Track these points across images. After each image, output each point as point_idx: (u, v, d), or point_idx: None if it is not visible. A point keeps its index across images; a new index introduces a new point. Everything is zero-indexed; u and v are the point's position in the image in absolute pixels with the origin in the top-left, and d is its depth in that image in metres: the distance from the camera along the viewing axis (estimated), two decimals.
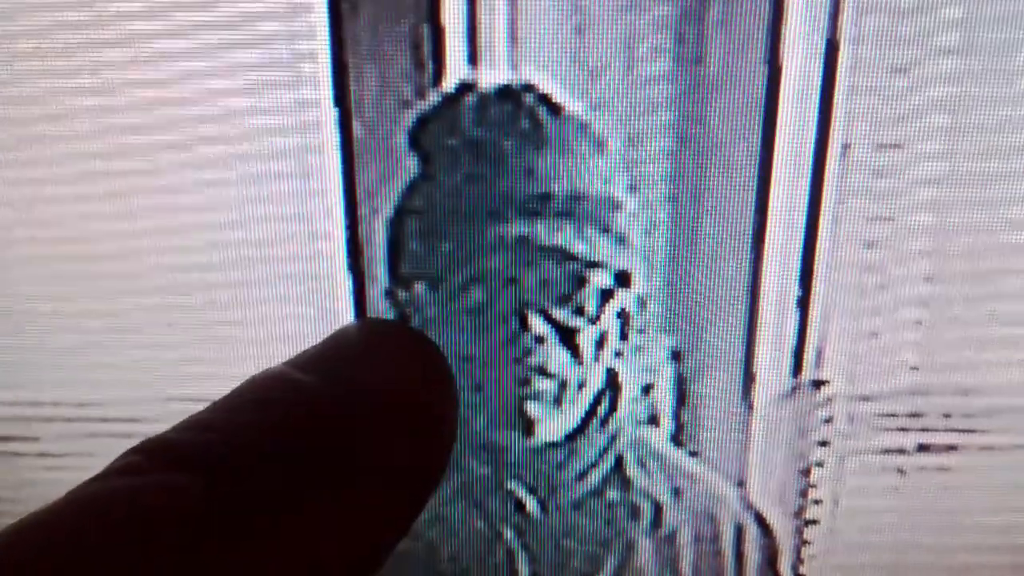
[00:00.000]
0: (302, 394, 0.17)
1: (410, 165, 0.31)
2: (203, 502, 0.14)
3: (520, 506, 0.35)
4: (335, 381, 0.17)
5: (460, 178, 0.31)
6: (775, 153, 0.32)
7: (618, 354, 0.33)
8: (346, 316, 0.33)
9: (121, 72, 0.32)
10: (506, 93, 0.31)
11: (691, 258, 0.33)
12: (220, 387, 0.17)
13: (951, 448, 0.35)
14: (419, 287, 0.32)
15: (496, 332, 0.32)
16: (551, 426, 0.34)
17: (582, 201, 0.31)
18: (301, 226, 0.33)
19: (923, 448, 0.35)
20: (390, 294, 0.32)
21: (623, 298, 0.33)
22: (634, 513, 0.36)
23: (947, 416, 0.35)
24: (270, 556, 0.14)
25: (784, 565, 0.37)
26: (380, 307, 0.33)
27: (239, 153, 0.33)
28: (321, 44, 0.31)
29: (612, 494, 0.35)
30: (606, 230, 0.32)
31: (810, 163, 0.32)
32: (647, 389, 0.34)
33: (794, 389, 0.34)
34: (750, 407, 0.34)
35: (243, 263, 0.34)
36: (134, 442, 0.16)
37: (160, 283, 0.34)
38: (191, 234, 0.34)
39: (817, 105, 0.31)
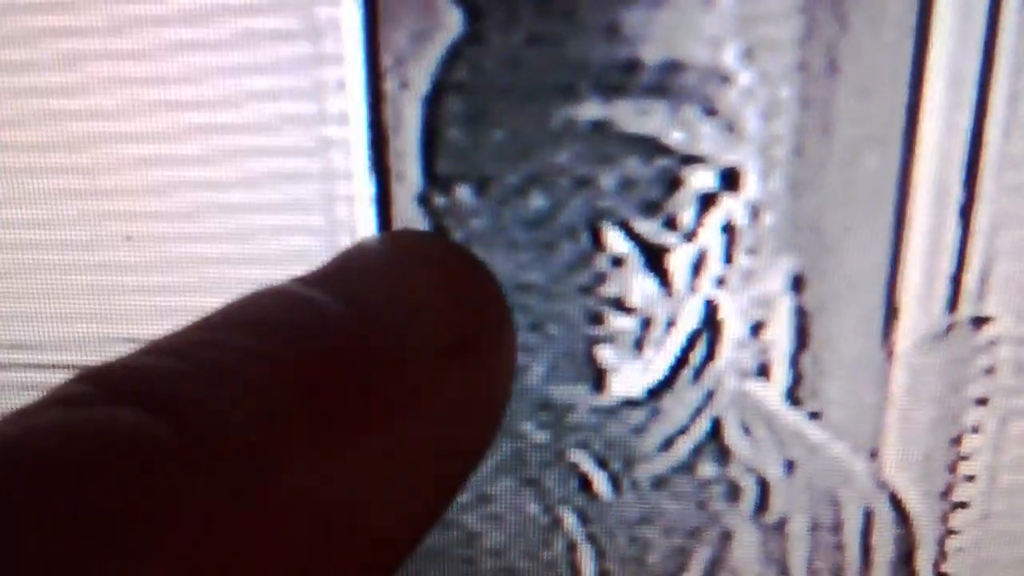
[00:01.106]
0: (316, 314, 0.14)
1: (453, 22, 0.26)
2: (168, 454, 0.11)
3: (586, 484, 0.30)
4: (353, 298, 0.14)
5: (519, 40, 0.26)
6: (936, 2, 0.24)
7: (720, 282, 0.28)
8: (367, 228, 0.27)
9: None
10: None
11: (823, 150, 0.26)
12: None
13: None
14: (462, 190, 0.27)
15: (561, 251, 0.27)
16: (629, 378, 0.28)
17: (680, 72, 0.26)
18: (305, 106, 0.26)
19: None
20: (424, 199, 0.27)
21: (730, 206, 0.27)
22: (734, 493, 0.30)
23: None
24: (260, 536, 0.11)
25: (923, 561, 0.29)
26: (411, 216, 0.27)
27: (226, 4, 0.25)
28: None
29: (706, 468, 0.29)
30: (711, 112, 0.26)
31: (984, 15, 0.25)
32: (757, 328, 0.28)
33: (948, 328, 0.28)
34: (890, 352, 0.28)
35: (227, 155, 0.27)
36: None
37: (115, 182, 0.27)
38: (157, 116, 0.26)
39: None
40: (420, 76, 0.26)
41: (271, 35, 0.26)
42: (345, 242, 0.27)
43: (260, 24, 0.26)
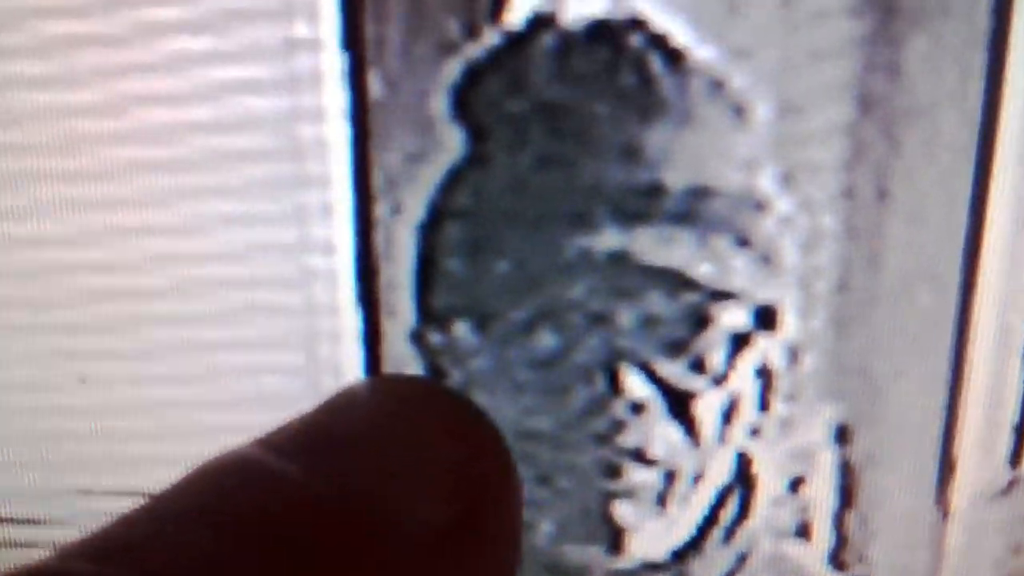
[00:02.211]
0: (279, 492, 0.12)
1: (453, 142, 0.23)
2: None
3: None
4: (333, 472, 0.13)
5: (527, 162, 0.24)
6: (1001, 123, 0.23)
7: (755, 432, 0.25)
8: (353, 369, 0.25)
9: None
10: (601, 32, 0.23)
11: (870, 285, 0.24)
12: (158, 475, 0.13)
13: None
14: (461, 327, 0.25)
15: (574, 396, 0.25)
16: (650, 538, 0.26)
17: (709, 199, 0.24)
18: (285, 232, 0.24)
19: None
20: (418, 337, 0.25)
21: (765, 347, 0.25)
22: None
23: None
24: None
25: None
26: (403, 355, 0.25)
27: (194, 121, 0.23)
28: None
29: None
30: (744, 243, 0.24)
31: None
32: (796, 484, 0.26)
33: (1010, 484, 0.26)
34: (945, 510, 0.26)
35: (195, 287, 0.24)
36: (36, 555, 0.13)
37: (68, 317, 0.24)
38: (116, 243, 0.24)
39: None
40: (415, 201, 0.24)
41: (247, 155, 0.23)
42: (328, 383, 0.25)
43: (234, 143, 0.23)
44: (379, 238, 0.24)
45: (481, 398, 0.25)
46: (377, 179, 0.24)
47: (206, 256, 0.24)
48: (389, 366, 0.25)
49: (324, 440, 0.14)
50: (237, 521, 0.12)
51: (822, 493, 0.26)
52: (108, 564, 0.11)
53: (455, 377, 0.25)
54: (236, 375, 0.25)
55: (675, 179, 0.23)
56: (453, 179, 0.24)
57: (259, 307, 0.24)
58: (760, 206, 0.24)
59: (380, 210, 0.24)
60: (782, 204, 0.23)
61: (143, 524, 0.12)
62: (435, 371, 0.25)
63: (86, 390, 0.25)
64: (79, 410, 0.25)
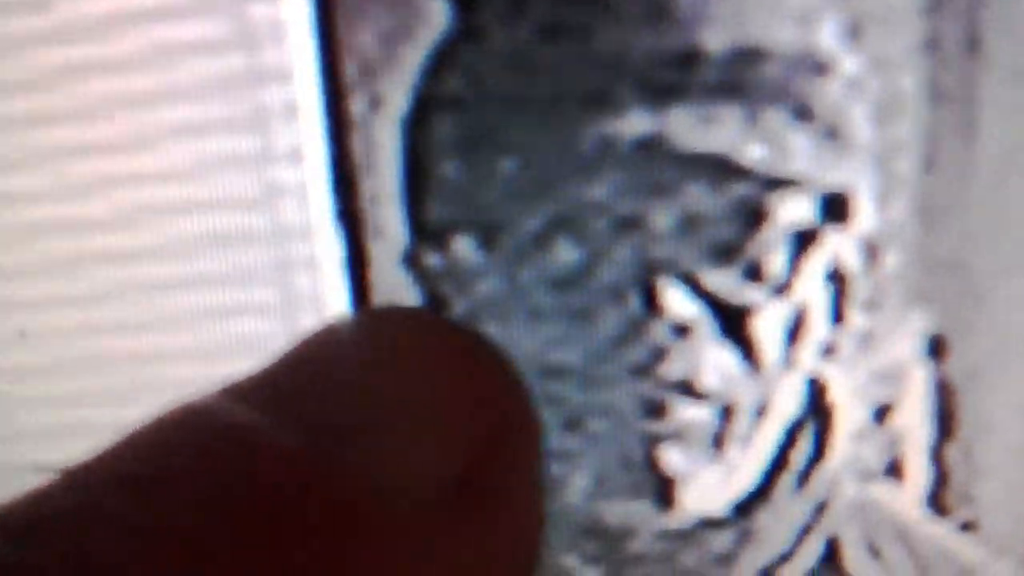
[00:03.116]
0: (242, 448, 0.10)
1: (437, 13, 0.22)
2: None
3: None
4: (311, 423, 0.11)
5: (529, 32, 0.22)
6: None
7: (828, 351, 0.24)
8: (336, 303, 0.24)
9: None
10: None
11: (964, 161, 0.22)
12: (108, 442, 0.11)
13: None
14: (463, 244, 0.24)
15: (603, 320, 0.24)
16: (707, 489, 0.25)
17: (758, 63, 0.22)
18: (243, 141, 0.22)
19: None
20: (412, 259, 0.24)
21: (837, 245, 0.23)
22: None
23: None
24: None
25: None
26: (395, 283, 0.24)
27: (123, 8, 0.21)
28: None
29: None
30: (804, 116, 0.22)
31: None
32: (882, 413, 0.24)
33: None
34: None
35: (143, 214, 0.22)
36: None
37: (1, 260, 0.23)
38: (50, 166, 0.22)
39: None
40: (397, 90, 0.23)
41: (191, 47, 0.21)
42: (307, 322, 0.23)
43: (175, 33, 0.21)
44: (356, 140, 0.23)
45: (492, 330, 0.24)
46: (349, 67, 0.22)
47: (151, 175, 0.22)
48: (379, 298, 0.24)
49: (301, 386, 0.12)
50: (181, 486, 0.11)
51: (915, 422, 0.24)
52: (14, 547, 0.10)
53: (459, 306, 0.24)
54: (198, 319, 0.23)
55: (715, 41, 0.22)
56: (440, 60, 0.22)
57: (218, 234, 0.23)
58: (821, 68, 0.22)
59: (355, 105, 0.23)
60: (848, 64, 0.22)
61: (60, 495, 0.10)
62: (434, 300, 0.24)
63: (27, 347, 0.23)
64: (19, 371, 0.24)
